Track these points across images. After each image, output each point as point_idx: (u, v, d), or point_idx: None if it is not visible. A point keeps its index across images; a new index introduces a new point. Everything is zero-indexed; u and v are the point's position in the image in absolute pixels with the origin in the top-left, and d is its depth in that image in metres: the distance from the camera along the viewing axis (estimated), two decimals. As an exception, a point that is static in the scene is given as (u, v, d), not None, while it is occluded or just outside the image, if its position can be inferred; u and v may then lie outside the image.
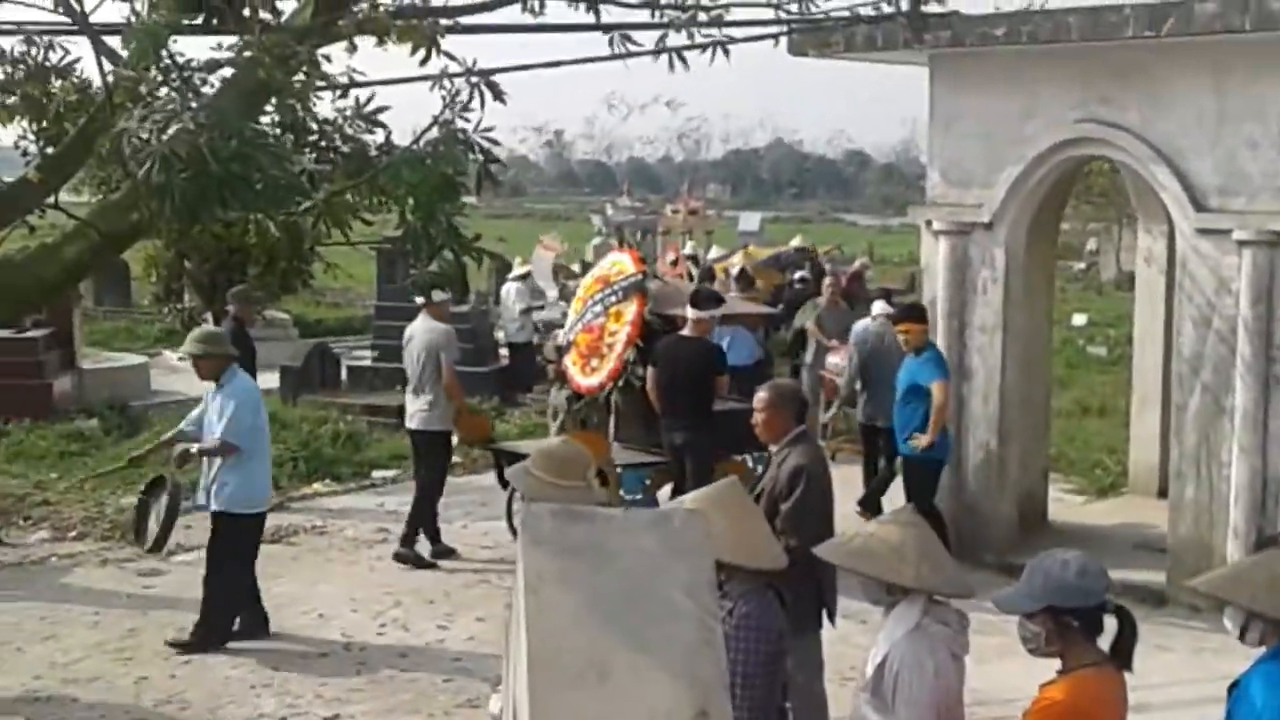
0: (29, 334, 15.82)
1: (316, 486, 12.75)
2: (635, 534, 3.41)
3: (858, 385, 11.77)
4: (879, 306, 12.32)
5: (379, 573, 9.83)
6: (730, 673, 3.47)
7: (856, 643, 7.31)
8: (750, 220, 43.52)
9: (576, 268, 20.70)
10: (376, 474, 13.20)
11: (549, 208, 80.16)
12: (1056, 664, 4.23)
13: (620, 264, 10.87)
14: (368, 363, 17.84)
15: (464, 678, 7.98)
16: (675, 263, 19.13)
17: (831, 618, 6.63)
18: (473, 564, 10.36)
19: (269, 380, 14.65)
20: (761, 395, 6.71)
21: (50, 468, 13.23)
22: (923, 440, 9.85)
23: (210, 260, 13.03)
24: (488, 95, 3.96)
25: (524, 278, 19.61)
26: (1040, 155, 10.08)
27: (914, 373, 10.05)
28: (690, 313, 9.79)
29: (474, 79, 3.95)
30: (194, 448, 8.42)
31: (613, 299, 10.52)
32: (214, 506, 8.47)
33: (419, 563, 10.22)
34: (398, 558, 10.26)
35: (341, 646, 8.51)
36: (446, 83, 4.03)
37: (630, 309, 10.36)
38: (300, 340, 19.63)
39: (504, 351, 18.61)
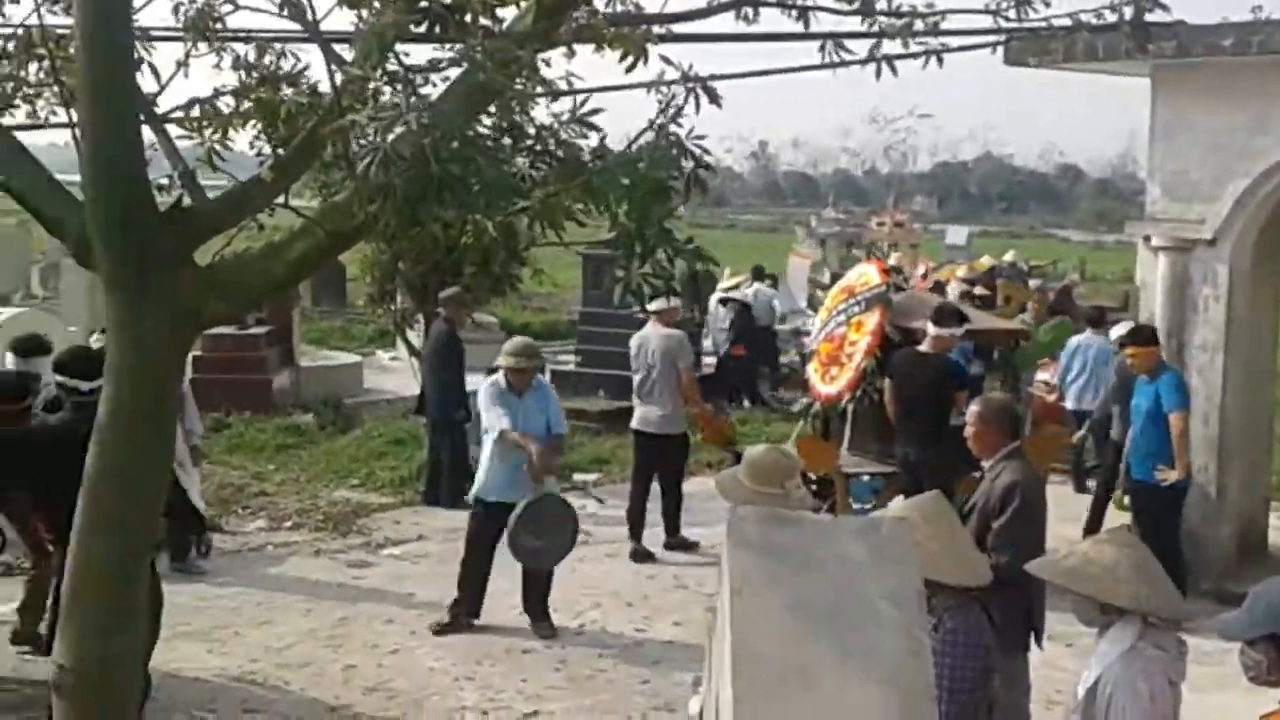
0: (252, 331, 16.47)
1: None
2: (842, 540, 3.39)
3: (1115, 409, 11.23)
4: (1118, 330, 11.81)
5: (579, 574, 9.93)
6: (936, 686, 3.42)
7: (1063, 666, 7.15)
8: (958, 234, 42.82)
9: (826, 279, 20.65)
10: (578, 477, 13.36)
11: (753, 219, 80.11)
12: (1277, 694, 4.06)
13: (866, 275, 10.83)
14: (571, 367, 18.09)
15: (660, 680, 8.03)
16: (925, 275, 18.97)
17: (1039, 640, 6.47)
18: (672, 568, 10.43)
19: (476, 382, 14.96)
20: (973, 410, 6.61)
21: (268, 460, 13.74)
22: (1171, 475, 9.45)
23: (424, 263, 13.34)
24: (703, 100, 3.98)
25: (733, 288, 19.68)
26: (1269, 169, 9.69)
27: (1150, 397, 9.67)
28: (930, 329, 9.65)
29: (691, 83, 3.97)
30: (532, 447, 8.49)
31: (855, 309, 10.50)
32: (493, 497, 8.78)
33: (686, 546, 10.85)
34: (668, 547, 10.85)
35: (542, 645, 8.65)
36: (663, 87, 4.06)
37: (872, 319, 10.30)
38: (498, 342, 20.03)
39: (709, 360, 18.71)
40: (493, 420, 8.68)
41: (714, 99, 4.01)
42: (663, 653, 8.53)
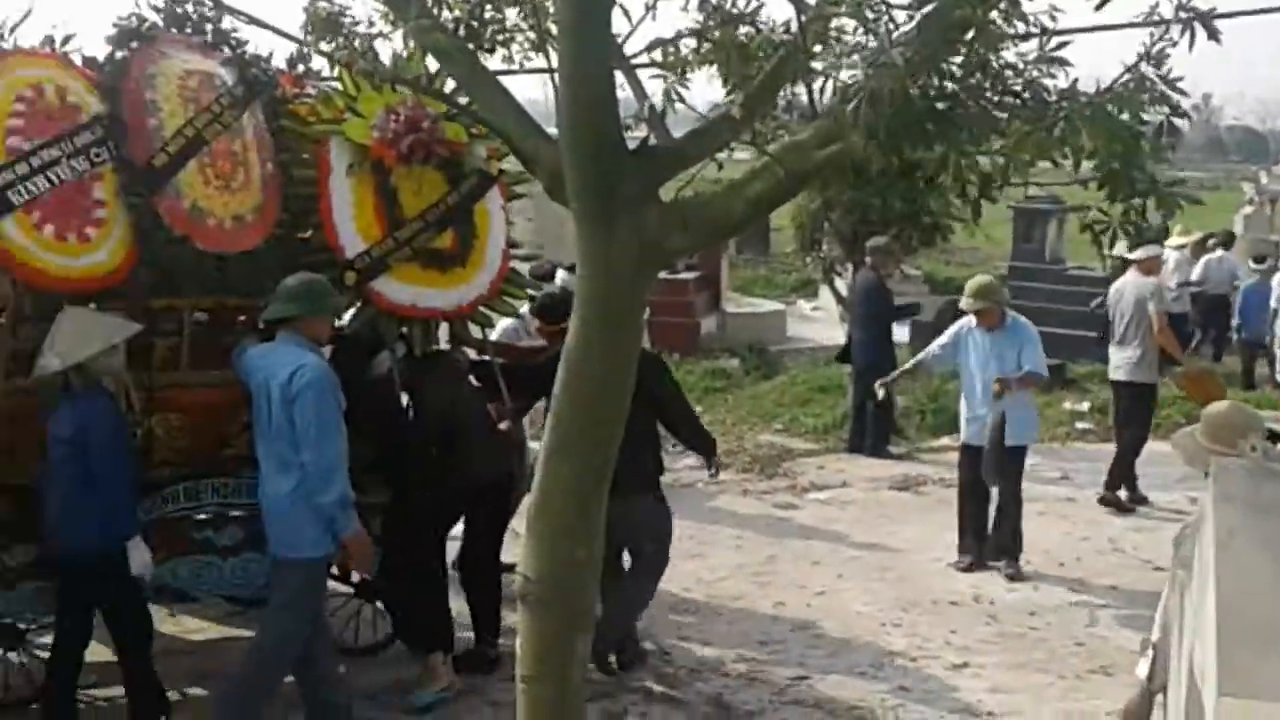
0: (681, 275, 16.92)
1: (945, 440, 12.81)
2: (1339, 499, 3.17)
3: None
4: None
5: (1008, 530, 9.72)
6: None
7: None
8: None
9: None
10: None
11: (1193, 175, 75.68)
12: None
13: None
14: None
15: (1097, 643, 7.77)
16: None
17: None
18: (1107, 530, 10.06)
19: (901, 334, 14.84)
20: None
21: (695, 401, 14.09)
22: None
23: (854, 213, 13.30)
24: (1200, 35, 3.76)
25: (1181, 249, 18.64)
26: None
27: None
28: None
29: (1187, 19, 3.75)
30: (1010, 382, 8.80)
31: None
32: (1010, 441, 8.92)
33: (1121, 507, 10.55)
34: (1103, 501, 10.63)
35: (971, 597, 8.53)
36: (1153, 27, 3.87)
37: None
38: (930, 296, 19.76)
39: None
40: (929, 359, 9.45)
41: (1212, 34, 3.78)
42: (1098, 615, 8.25)
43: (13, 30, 6.32)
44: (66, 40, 6.47)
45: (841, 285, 15.01)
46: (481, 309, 7.16)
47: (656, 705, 6.89)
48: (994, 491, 9.04)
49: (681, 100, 4.75)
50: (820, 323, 19.37)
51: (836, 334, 16.19)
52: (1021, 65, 4.33)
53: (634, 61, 4.92)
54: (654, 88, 4.93)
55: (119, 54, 6.47)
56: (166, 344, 6.44)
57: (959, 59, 4.25)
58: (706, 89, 5.32)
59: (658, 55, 5.04)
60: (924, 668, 7.44)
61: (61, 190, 6.06)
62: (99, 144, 6.20)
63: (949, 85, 3.71)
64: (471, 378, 7.30)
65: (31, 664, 6.51)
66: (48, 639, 6.21)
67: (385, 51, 5.66)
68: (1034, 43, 4.29)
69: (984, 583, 8.79)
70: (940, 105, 3.67)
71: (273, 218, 6.61)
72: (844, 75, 3.93)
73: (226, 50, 6.80)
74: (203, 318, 6.70)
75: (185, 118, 6.40)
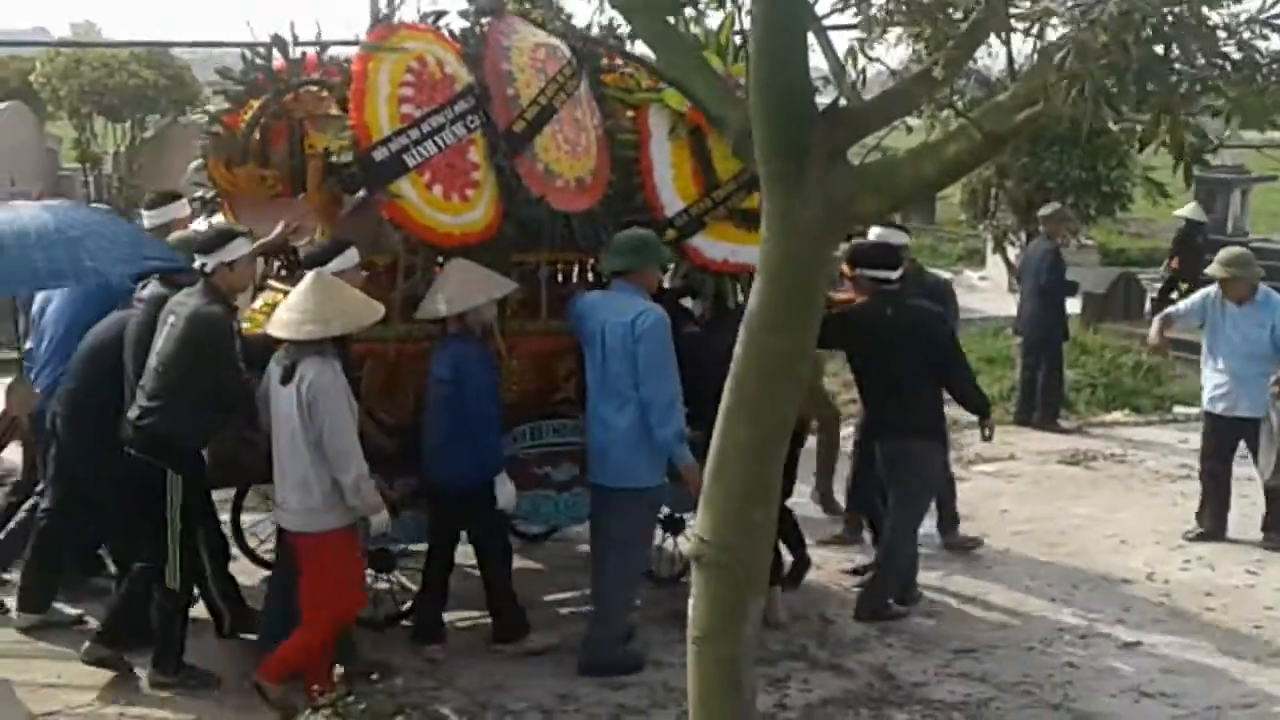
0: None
1: (1116, 415, 12.52)
2: None
3: None
4: None
5: (1182, 508, 9.47)
6: None
7: None
8: None
9: None
10: (1179, 409, 12.68)
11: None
12: None
13: None
14: (1175, 295, 17.14)
15: (1275, 626, 7.55)
16: None
17: None
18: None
19: (1073, 306, 14.49)
20: None
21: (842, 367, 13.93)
22: None
23: (1029, 180, 13.03)
24: None
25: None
26: None
27: None
28: None
29: None
30: None
31: None
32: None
33: None
34: None
35: (1144, 575, 8.33)
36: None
37: None
38: (1103, 268, 19.27)
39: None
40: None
41: None
42: (1277, 599, 8.00)
43: (398, 6, 6.93)
44: (439, 16, 7.10)
45: (1013, 254, 14.72)
46: None
47: (819, 673, 6.87)
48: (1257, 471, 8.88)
49: (875, 60, 4.66)
50: (987, 293, 18.98)
51: (1005, 305, 15.85)
52: (1234, 25, 4.17)
53: (825, 21, 4.87)
54: (844, 48, 4.88)
55: (477, 28, 7.09)
56: (517, 296, 7.02)
57: (1171, 15, 4.11)
58: (888, 51, 5.24)
59: (850, 15, 4.97)
60: (1094, 645, 7.31)
61: (445, 154, 6.69)
62: (472, 111, 6.80)
63: (1169, 34, 3.56)
64: None
65: (396, 586, 7.28)
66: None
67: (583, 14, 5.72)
68: (1247, 3, 4.14)
69: (1158, 561, 8.58)
70: (1151, 57, 3.53)
71: (605, 179, 7.16)
72: (1049, 34, 3.83)
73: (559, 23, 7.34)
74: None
75: (538, 87, 6.95)
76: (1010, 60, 4.36)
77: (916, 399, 7.37)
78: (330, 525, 6.16)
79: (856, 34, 4.71)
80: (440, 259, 6.81)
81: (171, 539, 6.29)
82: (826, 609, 7.67)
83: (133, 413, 6.34)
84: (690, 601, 4.82)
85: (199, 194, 7.72)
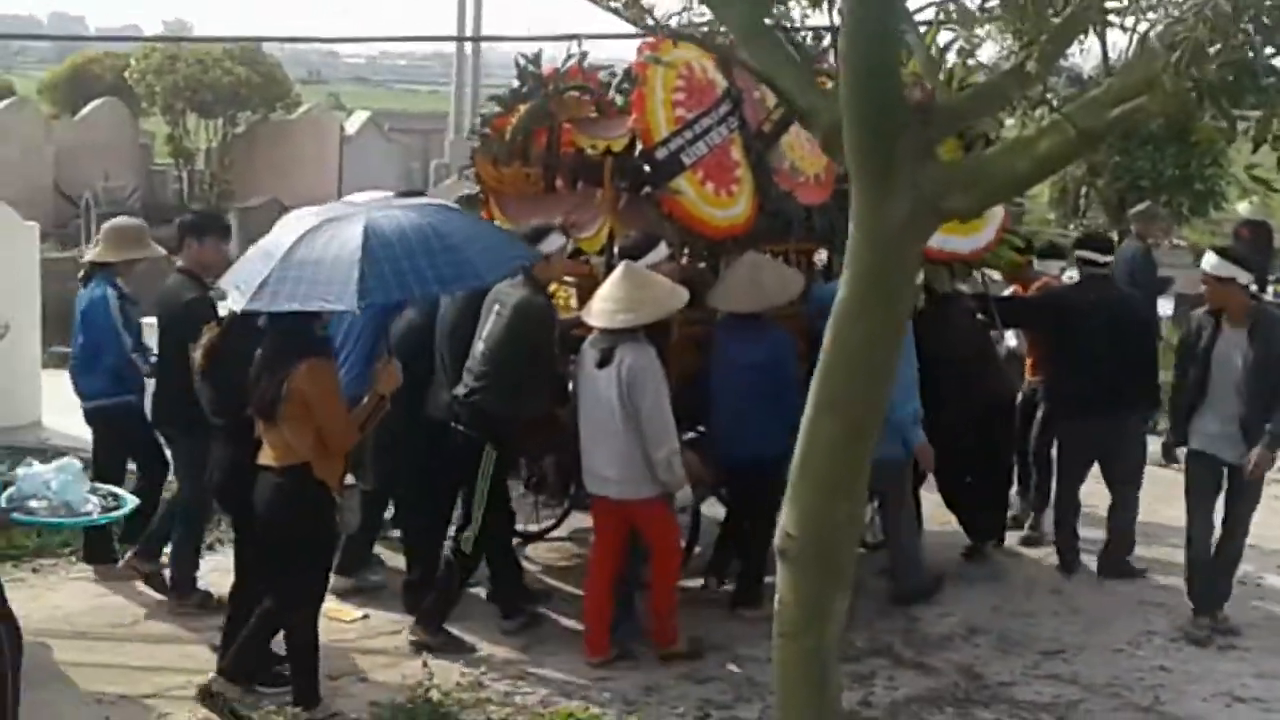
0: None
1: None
2: None
3: None
4: None
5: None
6: None
7: None
8: None
9: None
10: (1273, 411, 12.40)
11: None
12: None
13: None
14: (1269, 296, 16.82)
15: None
16: None
17: None
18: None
19: (1165, 307, 14.25)
20: None
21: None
22: None
23: (1121, 178, 12.87)
24: None
25: None
26: None
27: None
28: None
29: None
30: None
31: None
32: None
33: None
34: None
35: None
36: None
37: None
38: (1195, 268, 18.86)
39: None
40: None
41: None
42: None
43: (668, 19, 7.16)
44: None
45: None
46: (986, 255, 8.16)
47: (904, 671, 6.85)
48: None
49: (970, 55, 4.63)
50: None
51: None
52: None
53: (918, 17, 4.85)
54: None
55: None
56: None
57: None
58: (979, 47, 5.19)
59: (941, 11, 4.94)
60: (1185, 648, 7.22)
61: (714, 153, 7.34)
62: (731, 113, 7.47)
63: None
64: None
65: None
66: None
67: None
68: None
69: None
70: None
71: (834, 174, 7.58)
72: (1143, 27, 3.79)
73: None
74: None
75: None
76: (1105, 55, 4.32)
77: (1127, 373, 7.90)
78: (652, 493, 6.61)
79: (949, 30, 4.72)
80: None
81: (478, 505, 6.75)
82: (911, 607, 7.63)
83: (460, 390, 6.79)
84: (776, 596, 4.83)
85: (465, 192, 8.51)
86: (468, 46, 29.24)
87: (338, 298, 5.61)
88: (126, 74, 22.61)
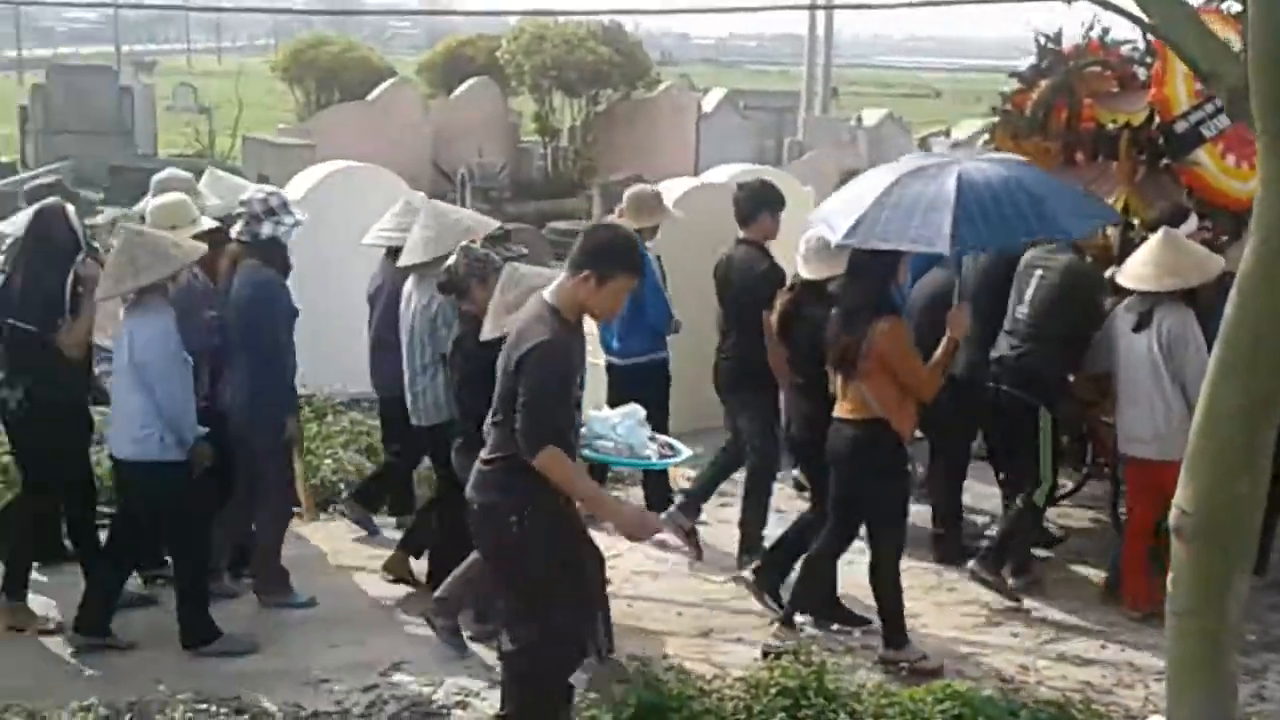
0: None
1: None
2: None
3: None
4: None
5: None
6: None
7: None
8: None
9: None
10: None
11: None
12: None
13: None
14: None
15: None
16: None
17: None
18: None
19: None
20: None
21: None
22: None
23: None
24: None
25: None
26: None
27: None
28: None
29: None
30: None
31: None
32: None
33: None
34: None
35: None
36: None
37: None
38: None
39: None
40: None
41: None
42: None
43: None
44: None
45: None
46: None
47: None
48: None
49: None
50: None
51: None
52: None
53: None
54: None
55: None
56: None
57: None
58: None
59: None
60: None
61: (1237, 126, 7.05)
62: None
63: None
64: None
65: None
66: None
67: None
68: None
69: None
70: None
71: None
72: None
73: None
74: None
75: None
76: None
77: None
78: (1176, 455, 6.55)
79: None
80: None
81: (1044, 463, 7.09)
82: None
83: (1005, 351, 7.19)
84: (1170, 576, 4.67)
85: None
86: (819, 26, 29.20)
87: (930, 241, 5.93)
88: (497, 54, 23.50)
